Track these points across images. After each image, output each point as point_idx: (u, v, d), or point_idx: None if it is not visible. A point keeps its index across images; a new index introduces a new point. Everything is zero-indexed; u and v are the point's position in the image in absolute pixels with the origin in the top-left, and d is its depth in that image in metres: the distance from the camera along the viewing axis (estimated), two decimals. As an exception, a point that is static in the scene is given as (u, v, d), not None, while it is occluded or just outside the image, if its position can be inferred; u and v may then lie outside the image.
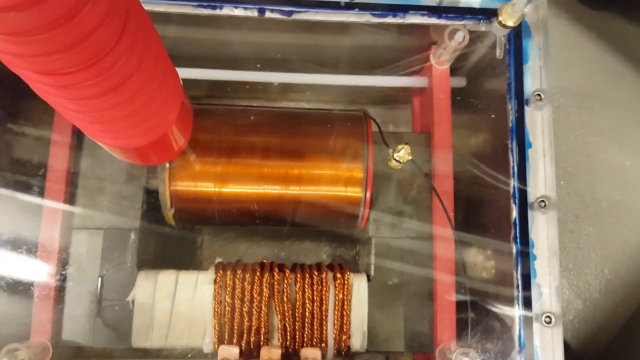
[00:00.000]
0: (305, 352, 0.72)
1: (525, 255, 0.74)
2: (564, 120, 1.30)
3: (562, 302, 0.73)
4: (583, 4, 1.36)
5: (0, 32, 0.37)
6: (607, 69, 1.33)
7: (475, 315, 0.80)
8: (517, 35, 0.80)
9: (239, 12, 0.79)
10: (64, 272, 0.78)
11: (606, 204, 1.26)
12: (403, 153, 0.75)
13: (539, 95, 0.77)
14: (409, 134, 0.91)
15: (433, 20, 0.81)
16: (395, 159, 0.77)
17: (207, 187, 0.82)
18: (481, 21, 0.81)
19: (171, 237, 0.92)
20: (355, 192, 0.83)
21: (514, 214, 0.76)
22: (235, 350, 0.71)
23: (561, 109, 1.30)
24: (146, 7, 0.58)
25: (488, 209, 0.85)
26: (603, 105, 1.31)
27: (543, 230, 0.75)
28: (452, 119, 0.86)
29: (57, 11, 0.37)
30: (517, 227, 0.75)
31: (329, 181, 0.83)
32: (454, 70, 0.91)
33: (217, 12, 0.79)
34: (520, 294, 0.73)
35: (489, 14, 0.80)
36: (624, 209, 1.26)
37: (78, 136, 0.81)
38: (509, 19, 0.76)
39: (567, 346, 1.15)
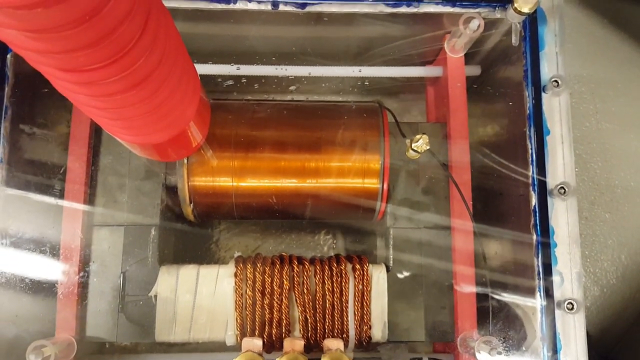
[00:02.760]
0: (328, 342, 0.72)
1: (546, 243, 0.74)
2: (578, 108, 1.29)
3: (582, 289, 0.73)
4: (595, -10, 1.35)
5: (27, 29, 0.38)
6: (620, 55, 1.32)
7: (497, 303, 0.80)
8: (533, 21, 0.80)
9: (252, 5, 0.79)
10: (86, 270, 0.79)
11: (621, 190, 1.25)
12: (421, 143, 0.75)
13: (556, 81, 0.77)
14: (424, 124, 0.90)
15: (447, 9, 0.81)
16: (413, 149, 0.77)
17: (225, 182, 0.82)
18: (496, 8, 0.80)
19: (191, 232, 0.93)
20: (372, 183, 0.83)
21: (534, 201, 0.76)
22: (258, 343, 0.71)
23: (574, 96, 1.29)
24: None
25: (507, 197, 0.85)
26: (617, 92, 1.30)
27: (563, 217, 0.75)
28: (468, 108, 0.86)
29: (82, 7, 0.37)
30: (537, 214, 0.75)
31: (346, 173, 0.83)
32: (467, 59, 0.90)
33: (231, 6, 0.79)
34: (541, 282, 0.73)
35: (503, 1, 0.80)
36: (638, 195, 1.25)
37: (96, 134, 0.82)
38: (524, 5, 0.76)
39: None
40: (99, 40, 0.41)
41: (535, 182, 0.76)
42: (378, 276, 0.81)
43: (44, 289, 0.78)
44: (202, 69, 0.87)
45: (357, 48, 0.97)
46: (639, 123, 1.29)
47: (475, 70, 0.93)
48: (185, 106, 0.62)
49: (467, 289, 0.80)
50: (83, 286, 0.78)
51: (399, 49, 0.95)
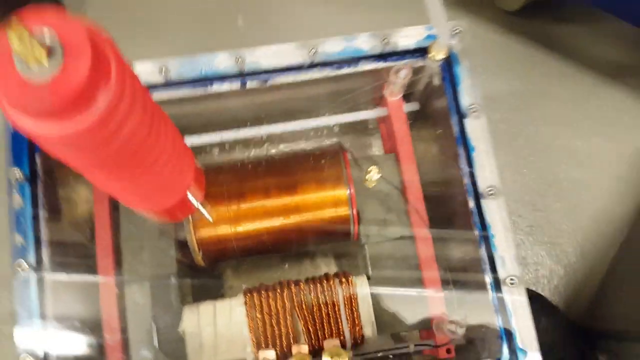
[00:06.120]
0: (327, 343, 0.90)
1: (486, 235, 0.92)
2: (518, 118, 1.49)
3: (521, 266, 0.91)
4: (515, 17, 1.57)
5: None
6: (545, 68, 1.54)
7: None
8: (449, 63, 0.99)
9: (225, 87, 0.99)
10: (125, 320, 0.97)
11: (567, 182, 1.45)
12: (373, 173, 0.94)
13: (474, 108, 0.96)
14: (378, 155, 1.10)
15: (381, 65, 1.00)
16: (367, 180, 0.96)
17: (225, 230, 1.01)
18: (418, 58, 1.00)
19: (203, 275, 1.11)
20: (343, 211, 1.02)
21: (471, 203, 0.94)
22: (271, 352, 0.88)
23: (513, 108, 1.50)
24: (155, 97, 0.78)
25: (451, 203, 1.03)
26: (549, 100, 1.51)
27: (496, 213, 0.93)
28: (417, 135, 1.05)
29: (112, 121, 0.56)
30: (475, 214, 0.94)
31: (321, 206, 1.02)
32: (409, 96, 1.10)
33: (209, 89, 0.99)
34: (487, 265, 0.91)
35: (424, 51, 1.00)
36: (582, 183, 1.44)
37: (114, 208, 1.01)
38: (438, 53, 0.96)
39: (556, 309, 1.33)
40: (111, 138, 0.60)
41: (470, 189, 0.94)
42: (361, 284, 0.99)
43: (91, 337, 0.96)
44: (193, 140, 1.07)
45: (320, 103, 1.16)
46: (572, 122, 1.49)
47: (415, 106, 1.13)
48: (184, 177, 0.81)
49: (434, 281, 0.98)
50: (123, 333, 0.96)
51: (352, 99, 1.14)
